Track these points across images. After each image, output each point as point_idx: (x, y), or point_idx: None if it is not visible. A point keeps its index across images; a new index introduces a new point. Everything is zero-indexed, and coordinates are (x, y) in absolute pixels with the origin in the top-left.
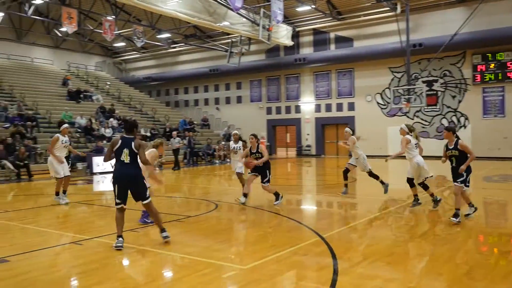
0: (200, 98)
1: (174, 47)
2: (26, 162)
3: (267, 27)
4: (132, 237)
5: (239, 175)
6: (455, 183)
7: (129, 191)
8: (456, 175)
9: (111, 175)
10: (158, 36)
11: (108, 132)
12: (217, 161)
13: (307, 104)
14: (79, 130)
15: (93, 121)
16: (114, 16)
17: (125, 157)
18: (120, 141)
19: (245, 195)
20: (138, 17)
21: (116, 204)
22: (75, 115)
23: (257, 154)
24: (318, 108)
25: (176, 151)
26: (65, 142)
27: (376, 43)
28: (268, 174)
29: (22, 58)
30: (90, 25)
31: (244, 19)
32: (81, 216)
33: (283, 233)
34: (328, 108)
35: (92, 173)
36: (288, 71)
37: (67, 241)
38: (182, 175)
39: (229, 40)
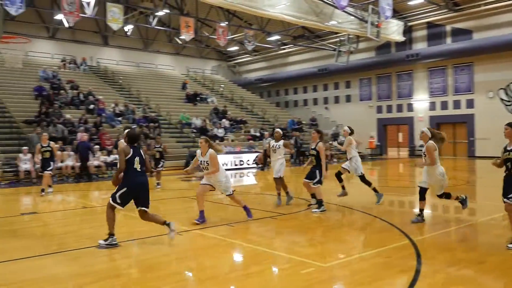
0: (309, 98)
1: (284, 49)
2: (150, 160)
3: (376, 23)
4: (226, 231)
5: (277, 180)
6: (506, 200)
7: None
8: (509, 187)
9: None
10: (268, 39)
11: (220, 132)
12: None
13: (421, 102)
14: (195, 131)
15: (207, 122)
16: (227, 22)
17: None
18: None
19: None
20: (249, 22)
21: (120, 204)
22: (191, 116)
23: (313, 151)
24: (432, 106)
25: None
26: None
27: (499, 34)
28: (318, 175)
29: (148, 65)
30: (206, 32)
31: (352, 17)
32: (192, 210)
33: (371, 234)
34: (444, 105)
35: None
36: (400, 67)
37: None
38: (287, 174)
39: (337, 39)
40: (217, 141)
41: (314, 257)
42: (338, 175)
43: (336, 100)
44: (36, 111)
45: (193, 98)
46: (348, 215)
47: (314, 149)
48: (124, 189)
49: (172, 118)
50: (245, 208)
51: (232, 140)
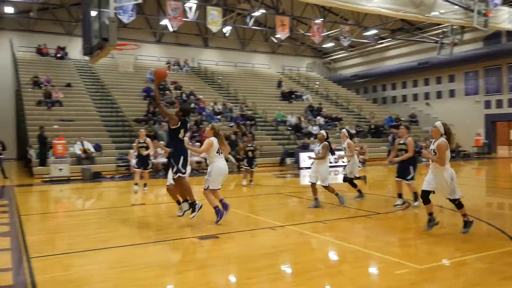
0: (408, 94)
1: (381, 43)
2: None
3: (484, 12)
4: (321, 228)
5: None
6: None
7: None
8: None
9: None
10: (365, 33)
11: (315, 129)
12: (423, 160)
13: None
14: (290, 128)
15: (302, 119)
16: (322, 19)
17: None
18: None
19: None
20: (345, 17)
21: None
22: (286, 114)
23: (402, 146)
24: None
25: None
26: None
27: None
28: (412, 171)
29: (245, 65)
30: (301, 30)
31: (456, 7)
32: (286, 206)
33: (474, 238)
34: None
35: (299, 168)
36: None
37: (265, 226)
38: (383, 172)
39: (439, 31)
40: (312, 138)
41: (409, 258)
42: (350, 181)
43: (438, 95)
44: (144, 110)
45: (288, 96)
46: (448, 216)
47: (404, 143)
48: (182, 158)
49: (268, 116)
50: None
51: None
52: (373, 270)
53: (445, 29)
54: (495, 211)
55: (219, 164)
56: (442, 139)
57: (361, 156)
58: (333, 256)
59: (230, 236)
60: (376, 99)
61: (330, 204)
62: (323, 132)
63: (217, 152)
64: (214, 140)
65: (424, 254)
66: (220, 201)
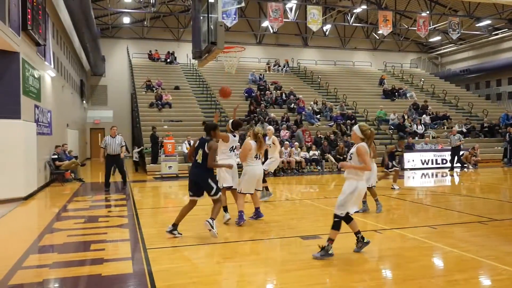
0: None
1: (496, 34)
2: (345, 156)
3: None
4: (428, 233)
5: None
6: None
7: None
8: None
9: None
10: (478, 25)
11: (420, 128)
12: None
13: None
14: (392, 127)
15: (406, 117)
16: (428, 12)
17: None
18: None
19: None
20: (454, 8)
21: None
22: (388, 112)
23: None
24: None
25: (455, 150)
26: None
27: None
28: None
29: (345, 63)
30: (405, 24)
31: None
32: (384, 207)
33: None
34: None
35: (403, 169)
36: None
37: (370, 229)
38: (498, 174)
39: None
40: (416, 138)
41: None
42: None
43: None
44: (246, 110)
45: (390, 94)
46: None
47: None
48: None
49: (369, 115)
50: None
51: (433, 137)
52: (491, 281)
53: None
54: None
55: (254, 168)
56: (361, 144)
57: (473, 158)
58: (443, 264)
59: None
60: (489, 95)
61: (435, 207)
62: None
63: (254, 157)
64: (253, 144)
65: None
66: (256, 209)
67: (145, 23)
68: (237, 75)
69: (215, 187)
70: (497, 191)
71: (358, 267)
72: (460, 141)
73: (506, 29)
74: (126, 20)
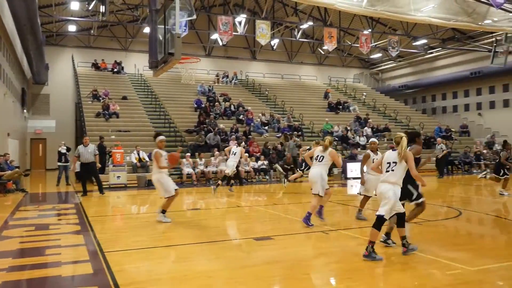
0: (459, 104)
1: (431, 53)
2: (292, 166)
3: None
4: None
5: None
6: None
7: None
8: None
9: None
10: (414, 43)
11: (362, 140)
12: (475, 171)
13: None
14: (336, 139)
15: (349, 129)
16: (370, 30)
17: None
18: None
19: None
20: (394, 27)
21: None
22: (333, 124)
23: None
24: None
25: (440, 159)
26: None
27: None
28: None
29: (292, 76)
30: (349, 41)
31: (511, 14)
32: (329, 211)
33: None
34: None
35: (346, 178)
36: None
37: (317, 230)
38: (433, 183)
39: (493, 39)
40: (359, 149)
41: (460, 261)
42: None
43: (492, 105)
44: (195, 121)
45: (335, 107)
46: (502, 224)
47: None
48: None
49: (315, 127)
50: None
51: None
52: (424, 270)
53: (498, 37)
54: None
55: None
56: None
57: None
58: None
59: (283, 238)
60: (425, 109)
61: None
62: (374, 140)
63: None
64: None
65: (477, 257)
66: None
67: (92, 31)
68: (186, 87)
69: (415, 193)
70: (436, 197)
71: (307, 261)
72: (443, 150)
73: (440, 48)
74: (72, 28)
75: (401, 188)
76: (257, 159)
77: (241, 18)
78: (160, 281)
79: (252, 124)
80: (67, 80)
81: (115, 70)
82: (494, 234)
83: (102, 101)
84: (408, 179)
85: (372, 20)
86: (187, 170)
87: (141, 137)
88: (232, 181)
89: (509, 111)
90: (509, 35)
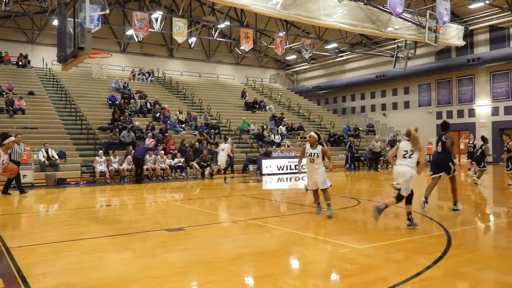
0: (366, 105)
1: (341, 56)
2: (209, 163)
3: (434, 29)
4: (276, 221)
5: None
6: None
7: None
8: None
9: None
10: (326, 47)
11: (277, 138)
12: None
13: (483, 107)
14: (252, 137)
15: (265, 128)
16: (284, 32)
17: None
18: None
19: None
20: (307, 31)
21: None
22: (250, 123)
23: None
24: (495, 111)
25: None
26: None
27: None
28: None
29: (210, 75)
30: (265, 42)
31: (409, 23)
32: (243, 204)
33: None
34: (508, 111)
35: (261, 174)
36: (461, 72)
37: (227, 220)
38: (341, 178)
39: (395, 45)
40: (274, 147)
41: (351, 241)
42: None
43: (394, 106)
44: (109, 118)
45: (252, 106)
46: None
47: None
48: None
49: (232, 125)
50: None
51: (288, 146)
52: (320, 250)
53: (400, 44)
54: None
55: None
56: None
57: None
58: (286, 241)
59: (196, 229)
60: (336, 109)
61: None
62: (313, 134)
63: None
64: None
65: (366, 238)
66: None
67: None
68: (100, 82)
69: (453, 168)
70: (339, 190)
71: (218, 247)
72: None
73: (349, 52)
74: None
75: (442, 164)
76: (174, 156)
77: (157, 15)
78: (70, 271)
79: (168, 122)
80: None
81: (21, 63)
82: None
83: (5, 96)
84: (449, 157)
85: (287, 23)
86: (100, 168)
87: (50, 134)
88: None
89: (410, 111)
90: (408, 42)
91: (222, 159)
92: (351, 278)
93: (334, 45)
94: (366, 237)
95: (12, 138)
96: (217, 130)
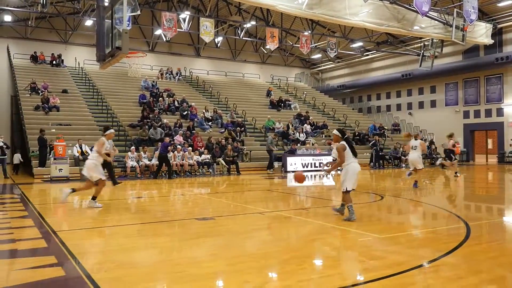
0: (392, 104)
1: (367, 55)
2: (234, 158)
3: (461, 27)
4: (303, 213)
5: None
6: None
7: None
8: None
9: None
10: (351, 46)
11: (302, 136)
12: (403, 165)
13: (511, 107)
14: (278, 135)
15: (290, 126)
16: (310, 31)
17: None
18: None
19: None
20: (332, 30)
21: None
22: (275, 121)
23: None
24: None
25: None
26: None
27: None
28: None
29: (235, 74)
30: (290, 41)
31: (436, 22)
32: (273, 198)
33: (429, 220)
34: None
35: (286, 171)
36: (489, 71)
37: (255, 212)
38: (367, 176)
39: (421, 44)
40: (299, 145)
41: (373, 231)
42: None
43: (421, 105)
44: (139, 116)
45: (277, 104)
46: (414, 206)
47: None
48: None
49: (257, 123)
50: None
51: (313, 144)
52: (341, 238)
53: (426, 43)
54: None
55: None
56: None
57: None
58: (314, 231)
59: (224, 218)
60: (361, 108)
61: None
62: (335, 131)
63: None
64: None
65: (387, 229)
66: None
67: (30, 22)
68: (130, 81)
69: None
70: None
71: (245, 234)
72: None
73: (375, 51)
74: (8, 18)
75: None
76: (201, 153)
77: (185, 15)
78: (112, 252)
79: (196, 119)
80: (1, 72)
81: (55, 62)
82: (410, 212)
83: (41, 94)
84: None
85: (312, 22)
86: (131, 163)
87: (83, 131)
88: None
89: (436, 110)
90: (434, 40)
91: None
92: (370, 262)
93: (359, 44)
94: (388, 227)
95: (112, 130)
96: (242, 128)
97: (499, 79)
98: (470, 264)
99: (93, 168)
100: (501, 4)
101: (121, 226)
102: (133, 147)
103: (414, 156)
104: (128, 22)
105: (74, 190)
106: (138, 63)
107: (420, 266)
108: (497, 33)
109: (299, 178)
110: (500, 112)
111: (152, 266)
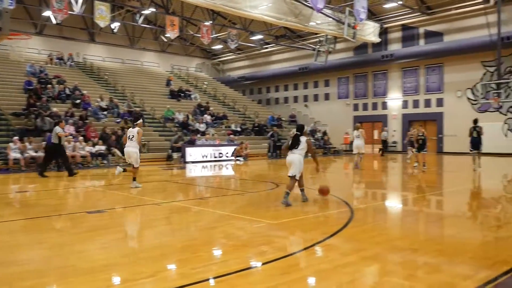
0: (289, 96)
1: (266, 48)
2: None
3: (352, 25)
4: (201, 203)
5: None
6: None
7: None
8: None
9: None
10: (251, 38)
11: (202, 126)
12: None
13: (394, 101)
14: (177, 125)
15: (190, 117)
16: (211, 21)
17: None
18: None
19: None
20: (233, 21)
21: None
22: (175, 111)
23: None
24: (405, 104)
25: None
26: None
27: (467, 37)
28: None
29: (134, 62)
30: (191, 30)
31: (330, 19)
32: (168, 188)
33: (321, 205)
34: (416, 104)
35: (185, 162)
36: (376, 67)
37: (151, 203)
38: (264, 166)
39: (317, 39)
40: (199, 135)
41: (267, 218)
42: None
43: (316, 98)
44: (24, 104)
45: (177, 94)
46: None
47: None
48: None
49: (156, 113)
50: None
51: (213, 134)
52: (238, 225)
53: (321, 38)
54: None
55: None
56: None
57: (244, 152)
58: (211, 219)
59: (118, 211)
60: (260, 100)
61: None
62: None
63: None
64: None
65: (279, 215)
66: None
67: None
68: (13, 66)
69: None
70: (263, 177)
71: (145, 224)
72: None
73: (274, 44)
74: None
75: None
76: (94, 144)
77: None
78: None
79: (89, 108)
80: None
81: None
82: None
83: None
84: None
85: (213, 13)
86: (14, 155)
87: None
88: None
89: (329, 103)
90: (328, 37)
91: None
92: (262, 247)
93: (259, 36)
94: (280, 213)
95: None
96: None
97: (385, 75)
98: (352, 244)
99: None
100: (387, 6)
101: (1, 222)
102: (15, 138)
103: (359, 143)
104: (11, 1)
105: None
106: (18, 46)
107: (308, 247)
108: (383, 33)
109: (324, 191)
110: (384, 106)
111: (40, 262)
